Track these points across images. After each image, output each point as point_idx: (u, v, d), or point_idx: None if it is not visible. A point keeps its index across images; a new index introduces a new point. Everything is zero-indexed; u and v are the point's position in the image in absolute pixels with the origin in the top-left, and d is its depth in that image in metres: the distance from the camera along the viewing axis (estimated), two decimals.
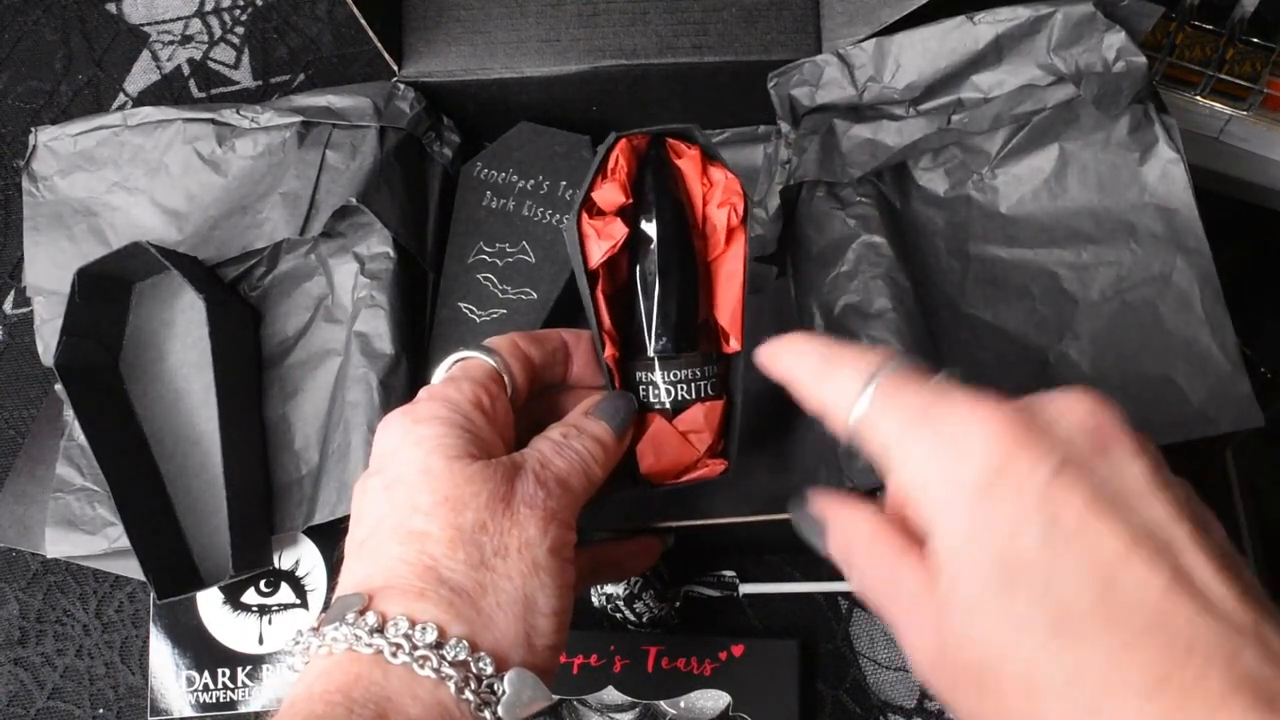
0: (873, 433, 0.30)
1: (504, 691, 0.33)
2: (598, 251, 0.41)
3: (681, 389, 0.43)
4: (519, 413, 0.41)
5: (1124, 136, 0.48)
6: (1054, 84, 0.47)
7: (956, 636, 0.26)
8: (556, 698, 0.36)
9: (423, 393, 0.39)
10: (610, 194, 0.42)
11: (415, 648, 0.32)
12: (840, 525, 0.32)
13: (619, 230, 0.41)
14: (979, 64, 0.47)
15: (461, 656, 0.32)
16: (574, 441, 0.39)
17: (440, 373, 0.41)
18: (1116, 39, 0.45)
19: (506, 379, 0.40)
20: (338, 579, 0.36)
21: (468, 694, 0.32)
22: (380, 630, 0.32)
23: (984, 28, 0.47)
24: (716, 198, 0.43)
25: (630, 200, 0.42)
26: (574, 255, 0.42)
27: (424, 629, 0.32)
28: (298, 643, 0.34)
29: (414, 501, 0.35)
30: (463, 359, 0.40)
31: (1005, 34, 0.46)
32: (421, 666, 0.32)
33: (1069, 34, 0.46)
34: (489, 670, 0.33)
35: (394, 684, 0.32)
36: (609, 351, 0.42)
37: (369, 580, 0.34)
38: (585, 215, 0.42)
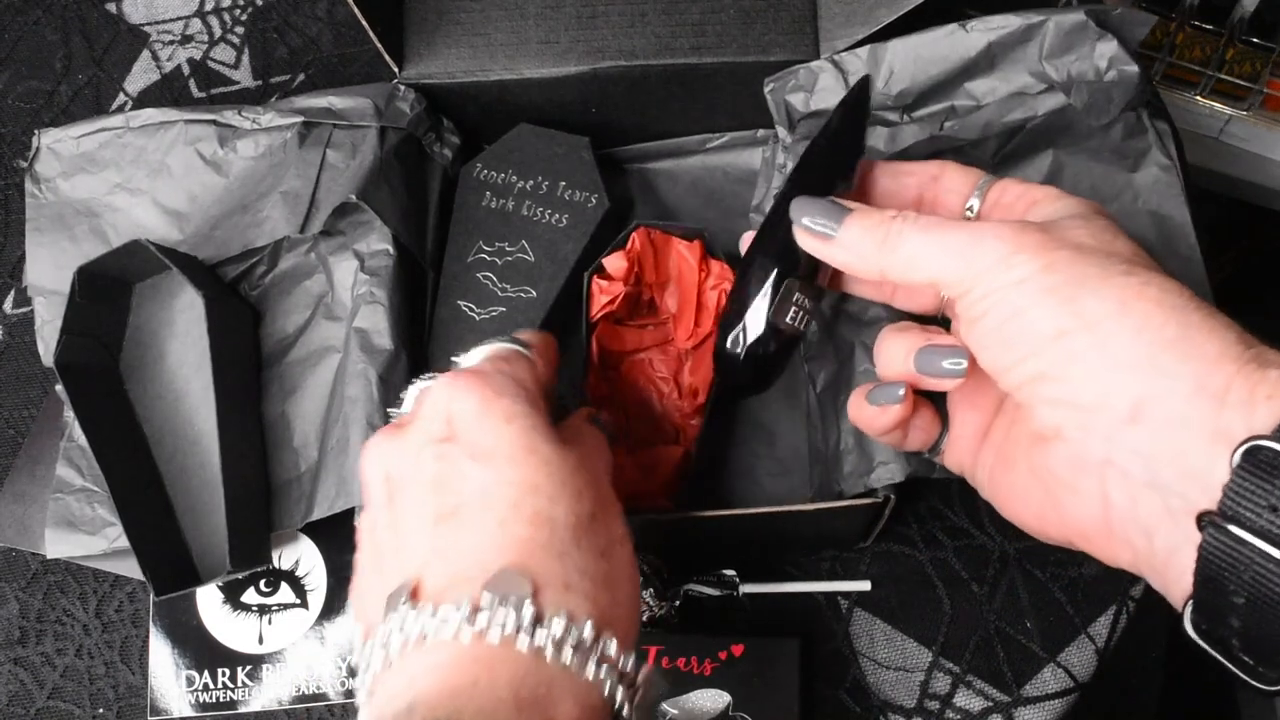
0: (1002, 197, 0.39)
1: (642, 690, 0.32)
2: (598, 304, 0.50)
3: (788, 312, 0.41)
4: None
5: (1117, 143, 0.48)
6: (1045, 92, 0.47)
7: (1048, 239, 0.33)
8: None
9: (485, 363, 0.37)
10: (617, 262, 0.50)
11: (576, 646, 0.30)
12: (866, 211, 0.37)
13: (618, 289, 0.50)
14: (971, 71, 0.47)
15: (611, 653, 0.31)
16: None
17: (475, 358, 0.39)
18: (1108, 48, 0.45)
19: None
20: (357, 557, 0.35)
21: (619, 693, 0.31)
22: (539, 623, 0.30)
23: (976, 35, 0.47)
24: (711, 282, 0.50)
25: (634, 269, 0.50)
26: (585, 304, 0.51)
27: (581, 626, 0.31)
28: (434, 614, 0.30)
29: (532, 481, 0.33)
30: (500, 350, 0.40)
31: (998, 42, 0.46)
32: (583, 668, 0.30)
33: (1061, 42, 0.46)
34: (633, 670, 0.31)
35: (555, 684, 0.30)
36: (592, 380, 0.50)
37: (500, 558, 0.31)
38: (596, 278, 0.51)
